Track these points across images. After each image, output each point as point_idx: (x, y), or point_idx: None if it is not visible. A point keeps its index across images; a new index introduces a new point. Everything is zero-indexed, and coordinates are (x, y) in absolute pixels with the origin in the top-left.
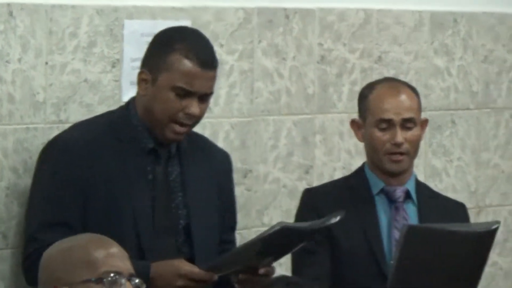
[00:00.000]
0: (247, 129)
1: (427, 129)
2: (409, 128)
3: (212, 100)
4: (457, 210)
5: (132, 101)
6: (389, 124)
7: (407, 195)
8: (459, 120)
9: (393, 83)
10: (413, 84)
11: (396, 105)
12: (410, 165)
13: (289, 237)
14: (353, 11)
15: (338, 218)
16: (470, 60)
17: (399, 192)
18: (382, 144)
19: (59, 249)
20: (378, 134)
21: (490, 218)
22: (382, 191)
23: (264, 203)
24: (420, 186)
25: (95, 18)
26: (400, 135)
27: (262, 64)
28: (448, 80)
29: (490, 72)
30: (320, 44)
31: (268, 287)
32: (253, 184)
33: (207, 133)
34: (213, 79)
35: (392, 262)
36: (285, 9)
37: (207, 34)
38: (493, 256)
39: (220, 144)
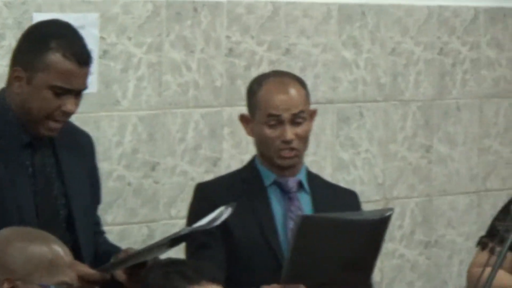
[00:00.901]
0: (155, 122)
1: (335, 121)
2: (299, 123)
3: (120, 93)
4: (349, 199)
5: (3, 95)
6: (278, 120)
7: (300, 185)
8: (366, 112)
9: (281, 78)
10: (321, 76)
11: (285, 101)
12: (301, 157)
13: (193, 235)
14: (262, 3)
15: (230, 210)
16: (378, 52)
17: (291, 183)
18: (272, 141)
19: (20, 240)
20: (268, 130)
21: (397, 210)
22: (274, 182)
23: (172, 195)
24: (311, 176)
25: (3, 11)
26: (290, 132)
27: (170, 57)
28: (356, 73)
29: (397, 64)
30: (228, 37)
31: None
32: (161, 176)
33: (115, 126)
34: (88, 74)
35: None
36: (193, 2)
37: (115, 27)
38: (400, 248)
39: (128, 137)
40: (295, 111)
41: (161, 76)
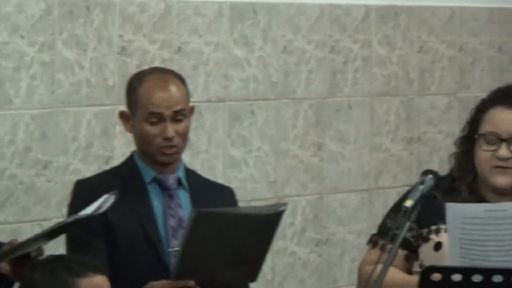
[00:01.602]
0: (48, 121)
1: (226, 119)
2: (180, 120)
3: (12, 92)
4: (226, 194)
5: None
6: (159, 117)
7: (179, 182)
8: (258, 110)
9: (161, 75)
10: (213, 75)
11: (166, 99)
12: (181, 153)
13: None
14: (154, 2)
15: (114, 198)
16: (270, 50)
17: (171, 180)
18: (153, 138)
19: None
20: (149, 128)
21: (289, 208)
22: (154, 179)
23: (64, 194)
24: (189, 173)
25: None
26: (171, 129)
27: (62, 56)
28: (248, 71)
29: (289, 62)
30: (121, 36)
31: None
32: (53, 175)
33: (7, 125)
34: None
35: (170, 250)
36: (86, 1)
37: (7, 25)
38: (292, 246)
39: (21, 135)
40: (176, 108)
41: (54, 74)
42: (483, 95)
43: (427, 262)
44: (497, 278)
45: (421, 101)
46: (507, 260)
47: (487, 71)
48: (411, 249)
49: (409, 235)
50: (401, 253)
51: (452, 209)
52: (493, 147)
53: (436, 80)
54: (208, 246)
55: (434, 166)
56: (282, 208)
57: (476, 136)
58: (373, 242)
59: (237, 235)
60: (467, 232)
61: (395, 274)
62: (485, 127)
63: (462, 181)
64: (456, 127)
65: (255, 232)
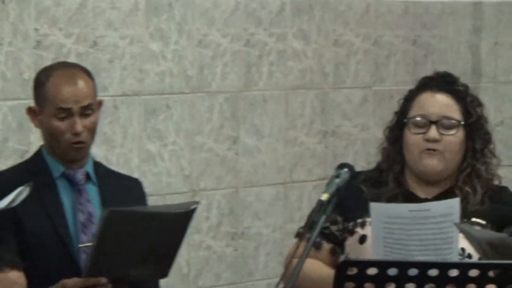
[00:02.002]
0: None
1: (142, 113)
2: (88, 115)
3: None
4: (133, 186)
5: None
6: (67, 113)
7: (88, 176)
8: (173, 104)
9: (69, 70)
10: (129, 69)
11: (74, 94)
12: (90, 148)
13: None
14: None
15: (28, 190)
16: (185, 44)
17: (79, 175)
18: (61, 134)
19: None
20: (57, 123)
21: (204, 202)
22: (63, 174)
23: None
24: (97, 166)
25: None
26: (80, 124)
27: None
28: (163, 65)
29: (204, 56)
30: (36, 29)
31: None
32: None
33: None
34: None
35: (80, 246)
36: None
37: None
38: (207, 239)
39: None
40: (85, 103)
41: None
42: (398, 88)
43: (352, 255)
44: (413, 272)
45: (336, 94)
46: (430, 259)
47: (402, 64)
48: (337, 243)
49: (334, 228)
50: (327, 246)
51: (376, 209)
52: (423, 130)
53: (351, 74)
54: (120, 244)
55: (349, 160)
56: (193, 207)
57: (405, 120)
58: (299, 235)
59: (148, 233)
60: (391, 232)
61: (316, 267)
62: (414, 112)
63: (390, 172)
64: (371, 120)
65: (166, 230)
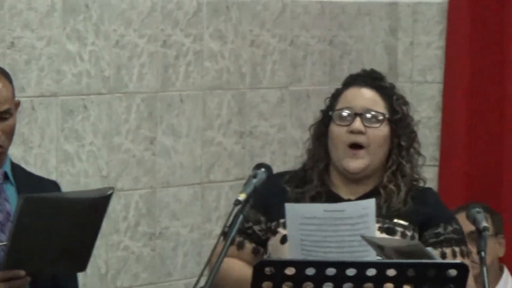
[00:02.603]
0: None
1: (59, 114)
2: (6, 119)
3: None
4: (51, 187)
5: None
6: None
7: (5, 176)
8: (91, 105)
9: None
10: (46, 70)
11: None
12: (7, 149)
13: None
14: None
15: None
16: (102, 45)
17: None
18: None
19: None
20: None
21: (122, 202)
22: None
23: None
24: (15, 167)
25: None
26: None
27: None
28: (80, 65)
29: (121, 57)
30: None
31: None
32: None
33: None
34: None
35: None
36: None
37: None
38: (125, 240)
39: None
40: (3, 108)
41: None
42: (315, 88)
43: (274, 255)
44: (331, 271)
45: (253, 94)
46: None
47: (318, 64)
48: (260, 243)
49: (257, 228)
50: (249, 246)
51: (291, 209)
52: (348, 122)
53: (267, 74)
54: (37, 234)
55: (266, 160)
56: (109, 192)
57: (330, 113)
58: (224, 234)
59: (65, 221)
60: (307, 233)
61: (236, 266)
62: (340, 105)
63: (314, 170)
64: (287, 120)
65: (83, 217)
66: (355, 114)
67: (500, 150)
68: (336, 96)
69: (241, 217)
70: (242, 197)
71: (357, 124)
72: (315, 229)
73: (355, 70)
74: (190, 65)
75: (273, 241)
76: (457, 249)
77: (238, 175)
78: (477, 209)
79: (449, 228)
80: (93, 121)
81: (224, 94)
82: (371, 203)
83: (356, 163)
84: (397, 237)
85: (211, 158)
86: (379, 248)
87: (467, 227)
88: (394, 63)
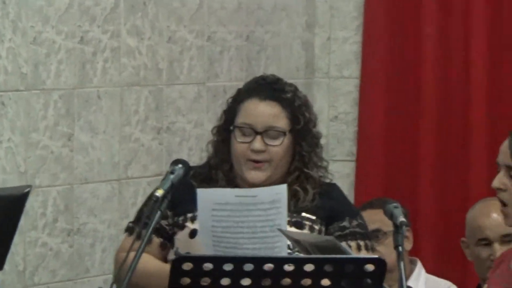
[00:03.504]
0: None
1: None
2: None
3: None
4: None
5: None
6: None
7: None
8: (8, 101)
9: None
10: None
11: None
12: None
13: None
14: None
15: None
16: (19, 42)
17: None
18: None
19: None
20: None
21: (40, 199)
22: None
23: None
24: None
25: None
26: None
27: None
28: None
29: (39, 53)
30: None
31: None
32: None
33: None
34: None
35: None
36: None
37: None
38: (43, 236)
39: None
40: None
41: None
42: (232, 84)
43: (183, 250)
44: (248, 267)
45: (170, 90)
46: (259, 247)
47: (235, 60)
48: (167, 237)
49: (164, 223)
50: (156, 241)
51: (203, 194)
52: (248, 139)
53: (185, 70)
54: None
55: (184, 156)
56: (27, 190)
57: (231, 128)
58: (129, 229)
59: None
60: (219, 219)
61: (149, 262)
62: (241, 119)
63: (219, 169)
64: (204, 116)
65: (0, 215)
66: (255, 133)
67: (416, 146)
68: (238, 101)
69: (158, 213)
70: (159, 193)
71: (257, 144)
72: (227, 215)
73: (272, 66)
74: (108, 61)
75: (181, 236)
76: (361, 242)
77: (156, 171)
78: (394, 204)
79: (354, 222)
80: (10, 118)
81: (141, 90)
82: (283, 188)
83: (257, 175)
84: (306, 231)
85: (129, 154)
86: (296, 242)
87: (371, 225)
88: (311, 59)
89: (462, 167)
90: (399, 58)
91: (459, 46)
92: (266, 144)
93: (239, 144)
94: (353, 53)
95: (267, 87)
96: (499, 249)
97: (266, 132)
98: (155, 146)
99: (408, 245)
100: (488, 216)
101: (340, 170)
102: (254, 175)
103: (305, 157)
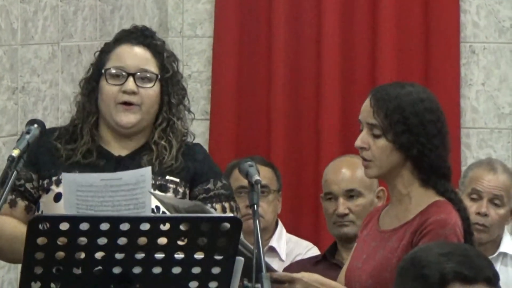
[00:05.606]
0: None
1: None
2: None
3: None
4: None
5: None
6: None
7: None
8: None
9: None
10: None
11: None
12: None
13: None
14: None
15: None
16: None
17: None
18: None
19: None
20: None
21: None
22: None
23: None
24: None
25: None
26: None
27: None
28: None
29: None
30: None
31: None
32: None
33: None
34: None
35: None
36: None
37: None
38: None
39: None
40: None
41: None
42: (86, 44)
43: (47, 212)
44: (105, 226)
45: (25, 50)
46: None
47: (89, 20)
48: (32, 200)
49: (29, 186)
50: (22, 204)
51: (68, 178)
52: (120, 81)
53: (39, 30)
54: None
55: (39, 116)
56: None
57: (102, 72)
58: None
59: None
60: (83, 199)
61: (10, 223)
62: (112, 63)
63: (84, 125)
64: (59, 76)
65: None
66: (128, 74)
67: (267, 104)
68: (107, 51)
69: (14, 173)
70: (15, 153)
71: (130, 84)
72: (92, 195)
73: (126, 25)
74: None
75: (46, 199)
76: (226, 204)
77: (11, 131)
78: (249, 162)
79: (219, 184)
80: None
81: None
82: (147, 170)
83: (128, 117)
84: (170, 194)
85: None
86: (170, 206)
87: (235, 182)
88: (164, 18)
89: (313, 119)
90: (251, 16)
91: (310, 1)
92: (138, 86)
93: (110, 87)
94: (206, 12)
95: (138, 34)
96: (342, 203)
97: (138, 74)
98: (10, 106)
99: (279, 207)
100: (336, 171)
101: (194, 129)
102: (124, 117)
103: (173, 107)
